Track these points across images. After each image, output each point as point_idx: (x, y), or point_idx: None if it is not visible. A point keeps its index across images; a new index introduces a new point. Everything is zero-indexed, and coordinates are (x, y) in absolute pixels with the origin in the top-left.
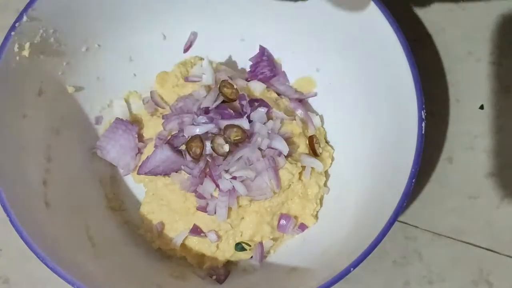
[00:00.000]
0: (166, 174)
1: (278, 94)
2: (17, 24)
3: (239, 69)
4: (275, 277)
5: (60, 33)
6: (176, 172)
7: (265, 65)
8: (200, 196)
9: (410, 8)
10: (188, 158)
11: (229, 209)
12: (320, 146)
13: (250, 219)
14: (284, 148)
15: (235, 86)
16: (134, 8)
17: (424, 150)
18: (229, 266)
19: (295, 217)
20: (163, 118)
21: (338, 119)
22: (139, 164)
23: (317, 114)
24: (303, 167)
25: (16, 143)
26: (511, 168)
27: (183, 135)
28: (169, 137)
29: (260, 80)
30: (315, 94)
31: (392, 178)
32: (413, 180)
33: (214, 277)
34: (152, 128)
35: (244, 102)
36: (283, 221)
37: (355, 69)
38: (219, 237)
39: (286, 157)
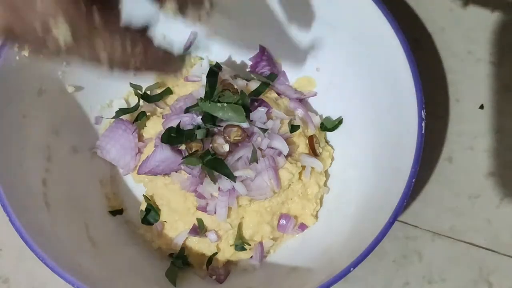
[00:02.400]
0: (166, 173)
1: (278, 94)
2: None
3: (239, 69)
4: (275, 277)
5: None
6: (176, 171)
7: (265, 65)
8: (200, 196)
9: (410, 7)
10: None
11: (229, 209)
12: (320, 146)
13: (250, 219)
14: (284, 148)
15: (235, 86)
16: (134, 8)
17: (424, 150)
18: (229, 266)
19: (295, 217)
20: (163, 118)
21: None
22: (139, 164)
23: (317, 114)
24: (303, 167)
25: (16, 143)
26: (511, 168)
27: None
28: None
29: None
30: (315, 94)
31: (392, 178)
32: (413, 180)
33: (214, 277)
34: (152, 128)
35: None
36: (283, 221)
37: (355, 68)
38: (219, 237)
39: (286, 157)
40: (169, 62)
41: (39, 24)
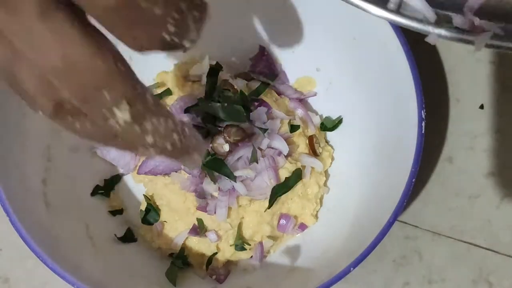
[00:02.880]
0: (166, 173)
1: (278, 94)
2: None
3: (239, 69)
4: (275, 277)
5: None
6: (176, 171)
7: (265, 65)
8: (200, 196)
9: None
10: None
11: (229, 209)
12: (320, 146)
13: (250, 219)
14: (284, 147)
15: (235, 86)
16: None
17: (424, 150)
18: (229, 266)
19: (295, 217)
20: None
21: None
22: (139, 164)
23: (317, 114)
24: (303, 167)
25: (16, 143)
26: (511, 168)
27: None
28: None
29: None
30: (315, 94)
31: (392, 178)
32: (413, 180)
33: (214, 277)
34: None
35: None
36: (283, 221)
37: (355, 69)
38: (219, 237)
39: (286, 156)
40: (195, 151)
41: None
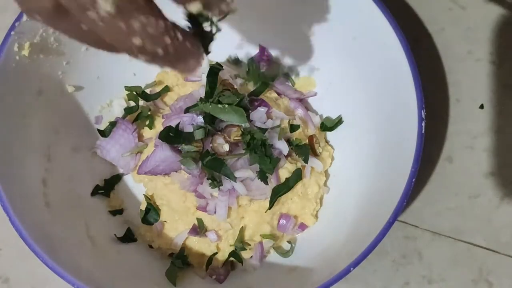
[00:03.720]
0: (166, 173)
1: (278, 94)
2: (17, 24)
3: (239, 69)
4: (275, 277)
5: (60, 32)
6: (176, 171)
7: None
8: (200, 196)
9: (410, 7)
10: None
11: (229, 208)
12: (320, 146)
13: (250, 219)
14: (284, 147)
15: (235, 86)
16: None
17: (424, 150)
18: (229, 266)
19: (295, 217)
20: (163, 118)
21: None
22: (139, 164)
23: (317, 113)
24: (303, 167)
25: (16, 143)
26: (510, 168)
27: None
28: None
29: None
30: (315, 94)
31: (392, 178)
32: (413, 180)
33: (214, 277)
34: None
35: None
36: (283, 221)
37: (355, 68)
38: (219, 237)
39: (286, 156)
40: (191, 58)
41: None
